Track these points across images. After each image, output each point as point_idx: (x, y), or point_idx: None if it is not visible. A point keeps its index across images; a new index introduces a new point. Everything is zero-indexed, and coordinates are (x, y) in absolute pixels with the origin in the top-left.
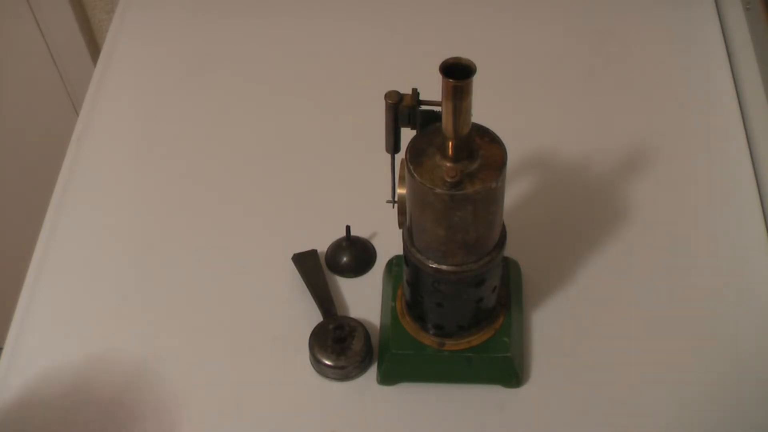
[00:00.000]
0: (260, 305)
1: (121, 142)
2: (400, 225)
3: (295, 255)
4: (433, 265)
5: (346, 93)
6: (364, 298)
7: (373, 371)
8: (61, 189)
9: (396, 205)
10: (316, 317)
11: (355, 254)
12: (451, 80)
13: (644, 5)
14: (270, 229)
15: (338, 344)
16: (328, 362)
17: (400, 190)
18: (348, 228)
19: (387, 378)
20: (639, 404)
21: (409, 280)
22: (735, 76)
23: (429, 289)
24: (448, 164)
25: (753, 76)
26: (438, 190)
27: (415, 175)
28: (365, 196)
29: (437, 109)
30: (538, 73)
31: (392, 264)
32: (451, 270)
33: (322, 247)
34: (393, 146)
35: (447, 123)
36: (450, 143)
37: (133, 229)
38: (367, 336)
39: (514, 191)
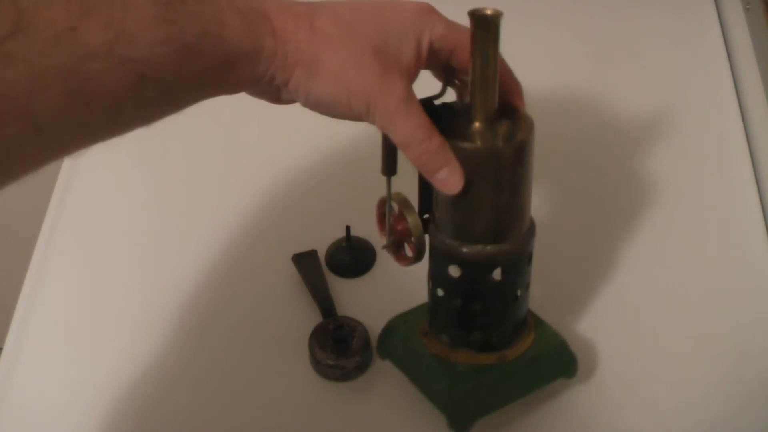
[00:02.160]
0: (260, 305)
1: (121, 142)
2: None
3: (295, 255)
4: (491, 249)
5: None
6: (364, 298)
7: (373, 371)
8: (61, 188)
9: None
10: (316, 317)
11: (355, 254)
12: (484, 12)
13: (644, 6)
14: (270, 229)
15: (338, 344)
16: (327, 362)
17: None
18: (348, 228)
19: (462, 423)
20: (641, 404)
21: (461, 289)
22: (735, 76)
23: (486, 286)
24: (483, 126)
25: (753, 76)
26: (499, 144)
27: (465, 144)
28: (365, 196)
29: (436, 102)
30: (537, 73)
31: (394, 328)
32: (511, 249)
33: (322, 247)
34: (389, 165)
35: (478, 76)
36: (479, 104)
37: (132, 229)
38: (367, 336)
39: None
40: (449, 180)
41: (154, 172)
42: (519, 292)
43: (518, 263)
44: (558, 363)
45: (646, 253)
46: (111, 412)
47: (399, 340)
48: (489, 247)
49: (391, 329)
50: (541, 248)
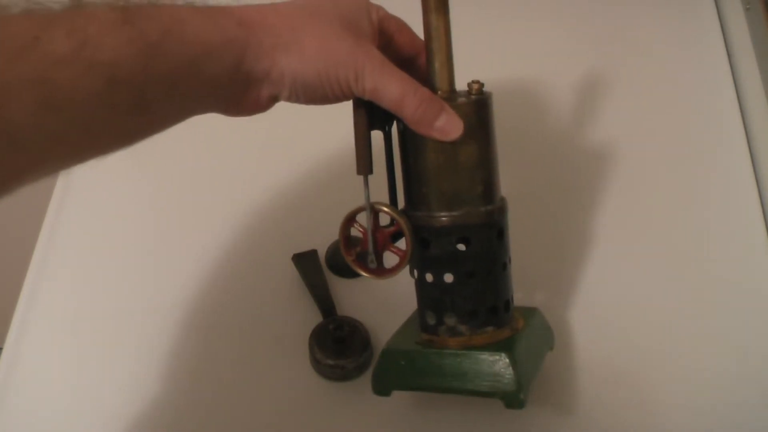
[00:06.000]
0: (260, 305)
1: None
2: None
3: (295, 255)
4: (457, 213)
5: None
6: (364, 298)
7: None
8: (61, 188)
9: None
10: (315, 317)
11: None
12: None
13: (644, 5)
14: (270, 229)
15: (338, 344)
16: (327, 362)
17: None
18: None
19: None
20: (642, 406)
21: (434, 265)
22: (735, 76)
23: (458, 257)
24: (447, 95)
25: (753, 76)
26: (472, 97)
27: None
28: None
29: None
30: (537, 71)
31: (391, 353)
32: (475, 212)
33: (322, 247)
34: (368, 161)
35: (440, 46)
36: (441, 71)
37: (132, 229)
38: (366, 336)
39: (513, 195)
40: (449, 124)
41: (154, 172)
42: (491, 267)
43: (483, 231)
44: (493, 374)
45: (646, 254)
46: (111, 411)
47: (405, 366)
48: (453, 211)
49: (389, 359)
50: (538, 248)
